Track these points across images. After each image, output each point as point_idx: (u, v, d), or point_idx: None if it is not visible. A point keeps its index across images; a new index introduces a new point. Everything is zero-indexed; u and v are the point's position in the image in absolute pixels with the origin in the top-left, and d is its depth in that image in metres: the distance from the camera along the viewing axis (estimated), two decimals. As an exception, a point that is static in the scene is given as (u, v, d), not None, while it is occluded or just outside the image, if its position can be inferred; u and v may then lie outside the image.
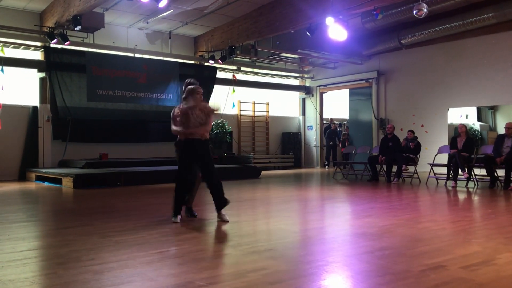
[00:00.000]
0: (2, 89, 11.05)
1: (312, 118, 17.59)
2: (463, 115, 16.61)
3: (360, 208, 6.80)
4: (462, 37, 12.82)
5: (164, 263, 3.58)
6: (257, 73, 16.48)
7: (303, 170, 15.77)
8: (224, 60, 13.90)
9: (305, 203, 7.81)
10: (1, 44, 11.25)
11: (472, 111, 16.52)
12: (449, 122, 13.81)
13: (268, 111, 16.91)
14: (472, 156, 9.83)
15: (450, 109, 13.75)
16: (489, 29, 12.08)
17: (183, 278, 3.15)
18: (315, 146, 17.41)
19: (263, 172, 13.11)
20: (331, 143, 16.80)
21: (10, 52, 11.59)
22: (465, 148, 9.75)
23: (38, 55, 12.22)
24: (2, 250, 4.03)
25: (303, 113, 17.90)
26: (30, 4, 11.44)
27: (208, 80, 14.75)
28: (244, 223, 5.66)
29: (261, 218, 6.12)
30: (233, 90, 14.80)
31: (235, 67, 15.39)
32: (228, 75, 15.35)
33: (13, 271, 3.33)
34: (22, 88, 12.14)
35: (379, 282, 3.08)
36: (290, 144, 17.22)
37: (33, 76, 12.22)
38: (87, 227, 5.17)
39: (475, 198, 8.19)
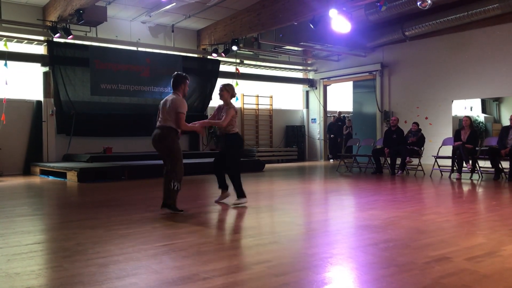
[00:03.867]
0: (6, 84, 11.07)
1: (316, 111, 17.56)
2: (468, 107, 16.54)
3: (364, 201, 6.80)
4: (466, 29, 12.74)
5: (169, 255, 3.59)
6: (260, 66, 16.43)
7: (306, 163, 15.76)
8: (227, 53, 13.86)
9: (309, 196, 7.81)
10: (5, 38, 11.24)
11: (476, 103, 16.45)
12: (453, 114, 13.76)
13: (271, 104, 16.88)
14: (477, 148, 9.80)
15: (454, 101, 13.70)
16: (494, 20, 11.99)
17: (188, 271, 3.17)
18: (318, 139, 17.39)
19: (266, 165, 13.11)
20: (332, 135, 16.79)
21: (13, 47, 11.58)
22: (469, 141, 9.72)
23: (41, 49, 12.22)
24: (8, 243, 4.05)
25: (307, 106, 17.86)
26: (32, -2, 11.43)
27: (211, 73, 14.74)
28: (248, 216, 5.68)
29: (265, 211, 6.13)
30: (236, 83, 14.76)
31: (238, 60, 15.36)
32: (231, 68, 15.32)
33: (19, 264, 3.35)
34: (26, 83, 12.16)
35: (383, 274, 3.09)
36: (294, 137, 17.20)
37: (37, 71, 12.23)
38: (92, 220, 5.19)
39: (480, 190, 8.17)
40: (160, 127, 5.53)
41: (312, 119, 17.69)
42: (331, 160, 16.74)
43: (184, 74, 5.81)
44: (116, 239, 4.19)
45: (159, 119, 5.60)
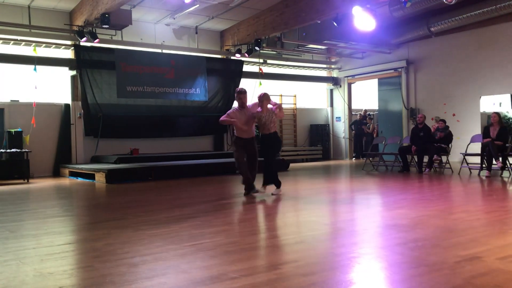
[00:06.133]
0: (36, 88, 11.35)
1: (340, 109, 17.42)
2: (496, 103, 16.17)
3: (391, 200, 6.72)
4: (494, 23, 12.44)
5: (197, 255, 3.63)
6: (283, 65, 16.40)
7: (331, 162, 15.67)
8: (250, 53, 13.89)
9: (335, 195, 7.77)
10: (34, 44, 11.55)
11: (506, 98, 16.05)
12: (481, 110, 13.46)
13: (295, 103, 16.83)
14: (507, 145, 9.57)
15: (482, 97, 13.40)
16: (522, 13, 11.70)
17: (216, 270, 3.19)
18: (343, 137, 17.26)
19: (291, 165, 13.09)
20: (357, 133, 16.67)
21: (42, 52, 11.88)
22: (498, 137, 9.50)
23: (69, 54, 12.47)
24: (41, 243, 4.16)
25: (331, 105, 17.74)
26: (60, 4, 11.68)
27: (235, 74, 14.80)
28: (274, 216, 5.68)
29: (291, 211, 6.13)
30: (260, 83, 14.78)
31: (261, 60, 15.37)
32: (255, 68, 15.34)
33: (52, 264, 3.44)
34: (54, 86, 12.44)
35: (413, 274, 3.05)
36: (318, 136, 17.11)
37: (65, 74, 12.50)
38: (120, 221, 5.28)
39: (510, 188, 7.98)
40: None
41: (336, 117, 17.56)
42: (353, 159, 16.60)
43: (237, 89, 7.35)
44: (144, 239, 4.25)
45: None
